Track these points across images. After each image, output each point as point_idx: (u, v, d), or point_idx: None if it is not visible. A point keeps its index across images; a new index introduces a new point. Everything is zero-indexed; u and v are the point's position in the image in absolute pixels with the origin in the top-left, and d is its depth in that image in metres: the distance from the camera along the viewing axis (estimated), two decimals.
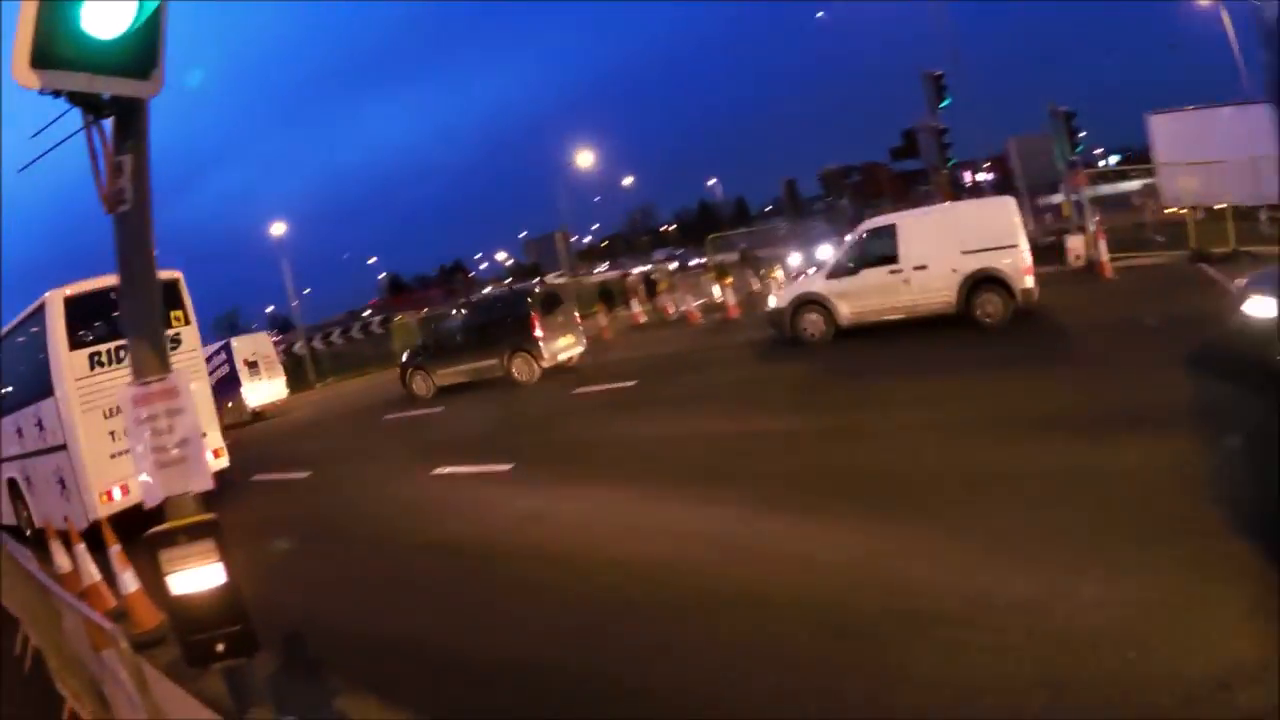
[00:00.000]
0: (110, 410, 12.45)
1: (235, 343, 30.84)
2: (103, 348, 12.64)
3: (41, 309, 12.77)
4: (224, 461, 14.00)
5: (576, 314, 24.34)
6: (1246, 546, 5.22)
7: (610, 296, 39.03)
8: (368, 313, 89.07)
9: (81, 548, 8.62)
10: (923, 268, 16.14)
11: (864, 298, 16.89)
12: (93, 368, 12.57)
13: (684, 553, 7.46)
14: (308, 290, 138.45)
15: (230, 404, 28.58)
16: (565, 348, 22.02)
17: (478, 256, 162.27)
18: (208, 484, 3.41)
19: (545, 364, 21.11)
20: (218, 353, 29.91)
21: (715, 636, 5.82)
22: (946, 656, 4.87)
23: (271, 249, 52.40)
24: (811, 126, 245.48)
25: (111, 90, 3.52)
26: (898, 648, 5.08)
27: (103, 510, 11.84)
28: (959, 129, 27.45)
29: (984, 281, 15.50)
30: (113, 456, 12.38)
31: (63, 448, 12.61)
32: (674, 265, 68.65)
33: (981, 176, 50.24)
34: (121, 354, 12.32)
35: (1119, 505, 6.44)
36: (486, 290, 52.66)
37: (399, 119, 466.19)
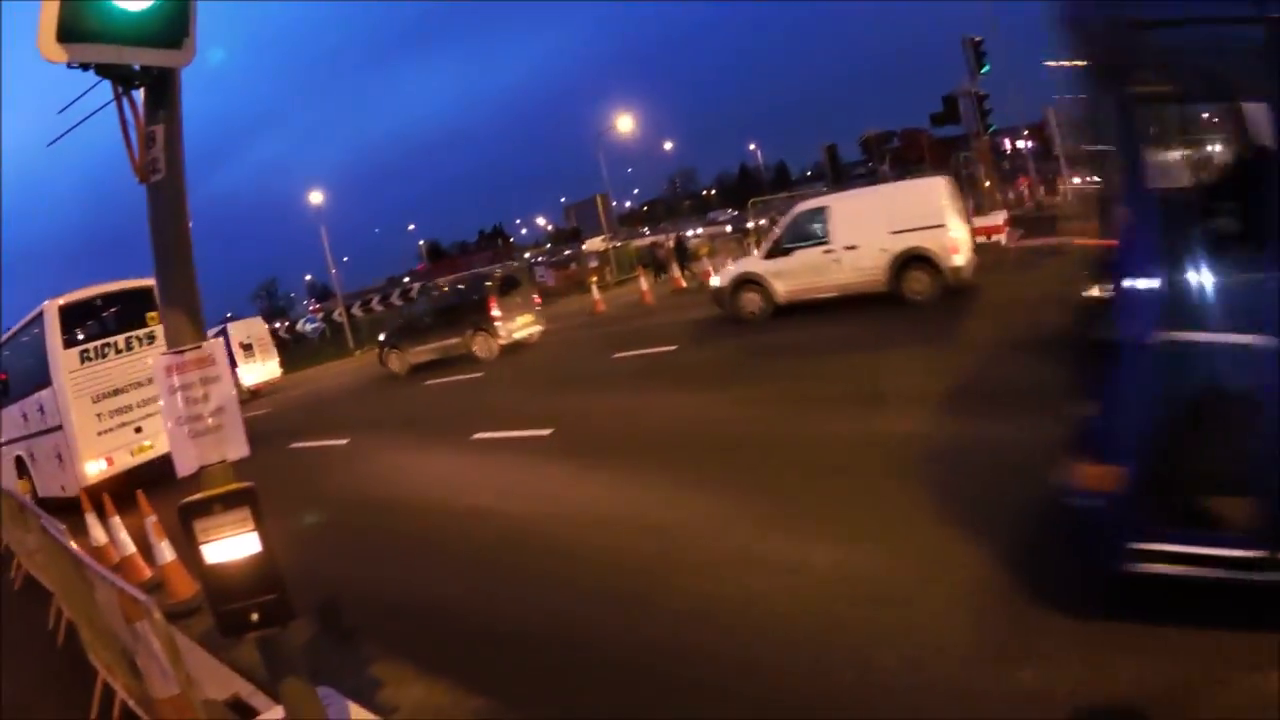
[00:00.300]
0: (97, 396, 15.34)
1: (231, 328, 33.94)
2: (90, 345, 15.40)
3: (40, 315, 15.49)
4: None
5: (535, 296, 27.31)
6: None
7: (653, 261, 39.53)
8: (407, 279, 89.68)
9: (116, 520, 8.70)
10: (853, 248, 16.78)
11: (798, 277, 17.64)
12: (82, 362, 15.27)
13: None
14: (346, 259, 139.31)
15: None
16: (522, 326, 24.08)
17: (518, 222, 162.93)
18: (244, 451, 3.41)
19: (502, 342, 23.20)
20: (215, 336, 30.51)
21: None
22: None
23: (309, 218, 52.91)
24: (852, 91, 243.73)
25: (142, 61, 3.48)
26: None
27: (91, 478, 14.57)
28: (999, 96, 27.27)
29: (912, 260, 16.07)
30: (99, 434, 15.28)
31: (59, 428, 15.30)
32: (728, 228, 68.35)
33: (1021, 144, 49.57)
34: (105, 350, 15.59)
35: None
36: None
37: (437, 85, 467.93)
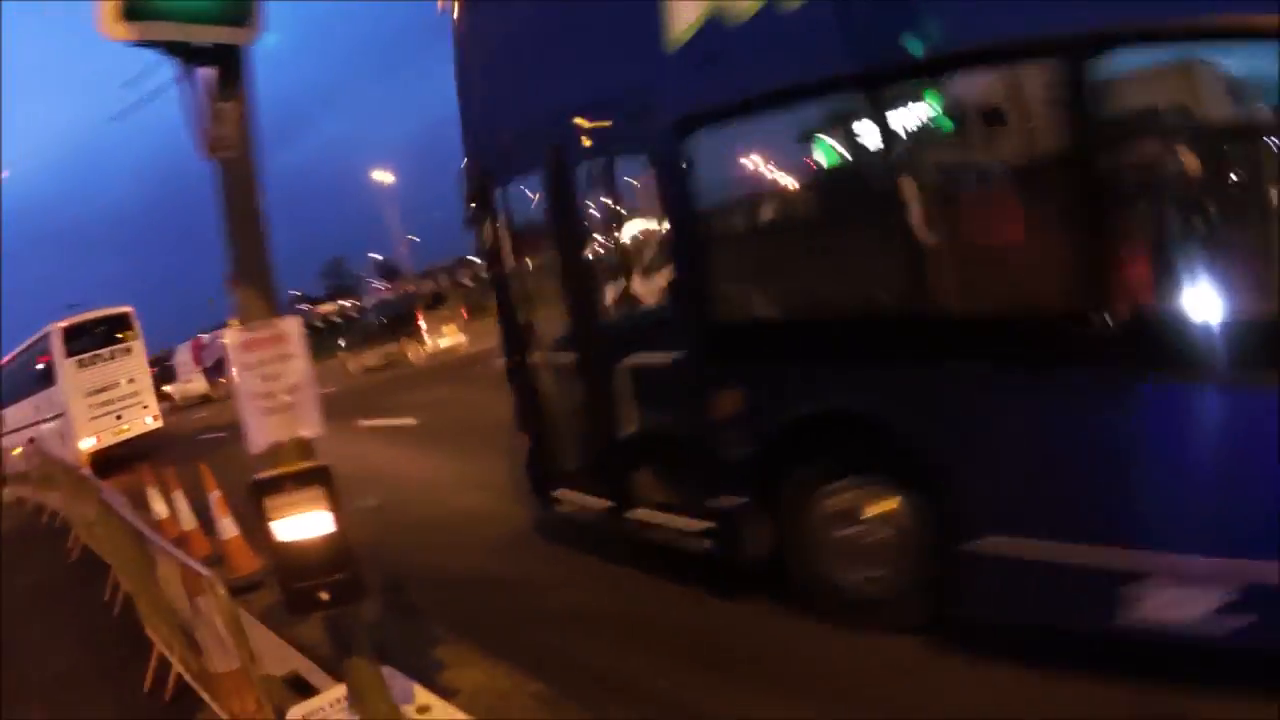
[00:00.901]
0: (88, 393, 21.75)
1: (229, 336, 38.96)
2: (84, 356, 21.90)
3: (48, 335, 22.17)
4: (159, 423, 23.33)
5: (463, 310, 31.48)
6: None
7: None
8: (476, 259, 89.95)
9: (179, 494, 8.79)
10: None
11: None
12: (80, 368, 21.79)
13: None
14: (416, 239, 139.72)
15: (221, 380, 38.28)
16: (447, 336, 28.92)
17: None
18: (318, 429, 3.39)
19: (428, 350, 28.21)
20: (212, 342, 41.61)
21: None
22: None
23: (377, 196, 53.50)
24: None
25: (208, 39, 3.46)
26: None
27: (85, 452, 20.16)
28: None
29: None
30: (90, 420, 21.67)
31: (61, 415, 21.85)
32: None
33: None
34: (95, 360, 21.97)
35: None
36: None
37: None
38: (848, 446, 5.10)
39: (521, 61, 6.93)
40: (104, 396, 21.77)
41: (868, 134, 4.84)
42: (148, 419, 22.66)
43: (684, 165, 5.56)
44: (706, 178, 5.60)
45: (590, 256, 7.23)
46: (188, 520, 8.58)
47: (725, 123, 5.42)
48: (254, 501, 3.24)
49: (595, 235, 7.55)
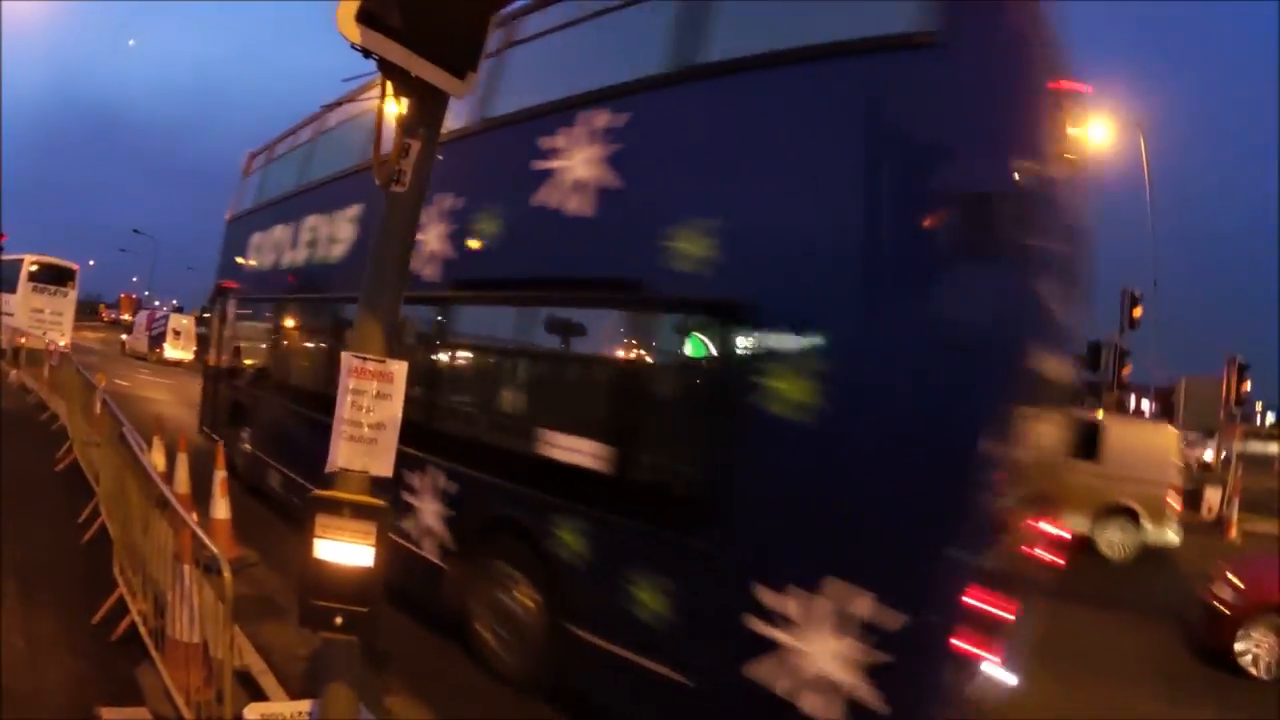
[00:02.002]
0: (32, 308, 29.80)
1: (171, 317, 50.51)
2: (38, 284, 30.42)
3: (23, 260, 30.81)
4: (66, 346, 24.75)
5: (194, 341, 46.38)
6: None
7: None
8: None
9: (183, 457, 8.85)
10: None
11: None
12: (33, 291, 30.31)
13: None
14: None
15: (156, 349, 47.32)
16: (179, 353, 46.33)
17: None
18: (388, 470, 3.48)
19: (164, 356, 45.87)
20: (162, 318, 50.79)
21: None
22: None
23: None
24: None
25: (426, 76, 3.56)
26: None
27: (15, 341, 24.30)
28: (1137, 351, 26.99)
29: None
30: (27, 324, 27.39)
31: (10, 315, 28.72)
32: None
33: (1145, 404, 48.93)
34: (42, 289, 30.70)
35: None
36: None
37: None
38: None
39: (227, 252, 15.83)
40: (40, 315, 29.65)
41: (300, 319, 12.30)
42: (60, 341, 25.32)
43: (219, 313, 15.41)
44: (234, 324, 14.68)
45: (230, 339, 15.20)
46: (182, 483, 8.62)
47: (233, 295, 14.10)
48: (308, 513, 3.33)
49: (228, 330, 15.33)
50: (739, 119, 5.79)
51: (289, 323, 12.33)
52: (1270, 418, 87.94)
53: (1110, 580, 14.65)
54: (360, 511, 3.33)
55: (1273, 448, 42.47)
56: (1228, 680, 9.30)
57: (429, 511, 7.73)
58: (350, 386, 3.42)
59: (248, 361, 14.03)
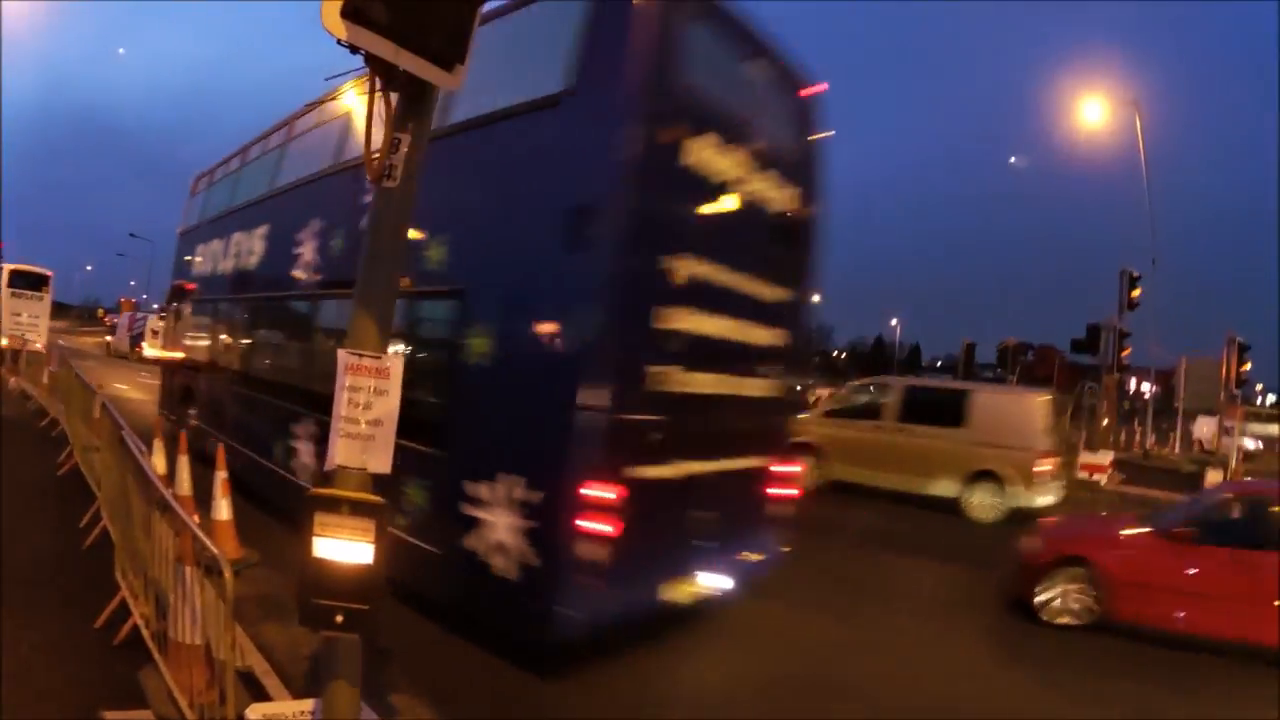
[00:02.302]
0: (12, 312, 29.49)
1: (150, 320, 48.90)
2: (15, 290, 30.19)
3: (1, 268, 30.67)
4: (40, 347, 28.16)
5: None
6: None
7: None
8: None
9: (185, 459, 8.83)
10: None
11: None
12: (12, 296, 29.96)
13: None
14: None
15: (136, 348, 48.53)
16: (156, 348, 41.12)
17: None
18: (386, 467, 3.47)
19: (143, 353, 45.93)
20: (141, 319, 52.48)
21: None
22: None
23: None
24: (1001, 294, 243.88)
25: (413, 69, 3.55)
26: None
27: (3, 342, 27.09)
28: (1137, 333, 27.15)
29: None
30: (10, 329, 28.35)
31: None
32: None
33: (1146, 386, 49.04)
34: (20, 294, 30.37)
35: None
36: None
37: None
38: None
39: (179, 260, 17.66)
40: (22, 318, 30.19)
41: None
42: (37, 344, 28.24)
43: (172, 312, 18.08)
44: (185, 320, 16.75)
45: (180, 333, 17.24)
46: (184, 485, 8.60)
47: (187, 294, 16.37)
48: (306, 512, 3.32)
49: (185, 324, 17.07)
50: (458, 165, 7.71)
51: (222, 319, 14.87)
52: (1271, 399, 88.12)
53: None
54: (359, 509, 3.32)
55: (1273, 429, 42.51)
56: (1027, 627, 9.86)
57: (299, 451, 10.27)
58: (346, 384, 3.40)
59: (194, 351, 16.07)
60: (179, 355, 16.98)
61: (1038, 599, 10.03)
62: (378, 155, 3.65)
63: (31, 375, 20.72)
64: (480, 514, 6.92)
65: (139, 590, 6.30)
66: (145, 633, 5.88)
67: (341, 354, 3.43)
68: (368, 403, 3.42)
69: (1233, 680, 8.50)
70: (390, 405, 3.48)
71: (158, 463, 9.61)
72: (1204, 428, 37.42)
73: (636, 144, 6.61)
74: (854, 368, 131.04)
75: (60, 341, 33.84)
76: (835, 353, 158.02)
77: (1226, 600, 9.07)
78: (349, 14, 3.30)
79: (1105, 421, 31.33)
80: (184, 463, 8.77)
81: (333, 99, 11.36)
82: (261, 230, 12.95)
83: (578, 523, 6.30)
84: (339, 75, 7.23)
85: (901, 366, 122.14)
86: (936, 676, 8.08)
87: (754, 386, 8.31)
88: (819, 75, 9.01)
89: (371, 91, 3.66)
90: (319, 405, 8.94)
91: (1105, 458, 24.74)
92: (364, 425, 3.42)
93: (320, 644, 3.67)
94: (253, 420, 12.11)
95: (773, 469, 8.69)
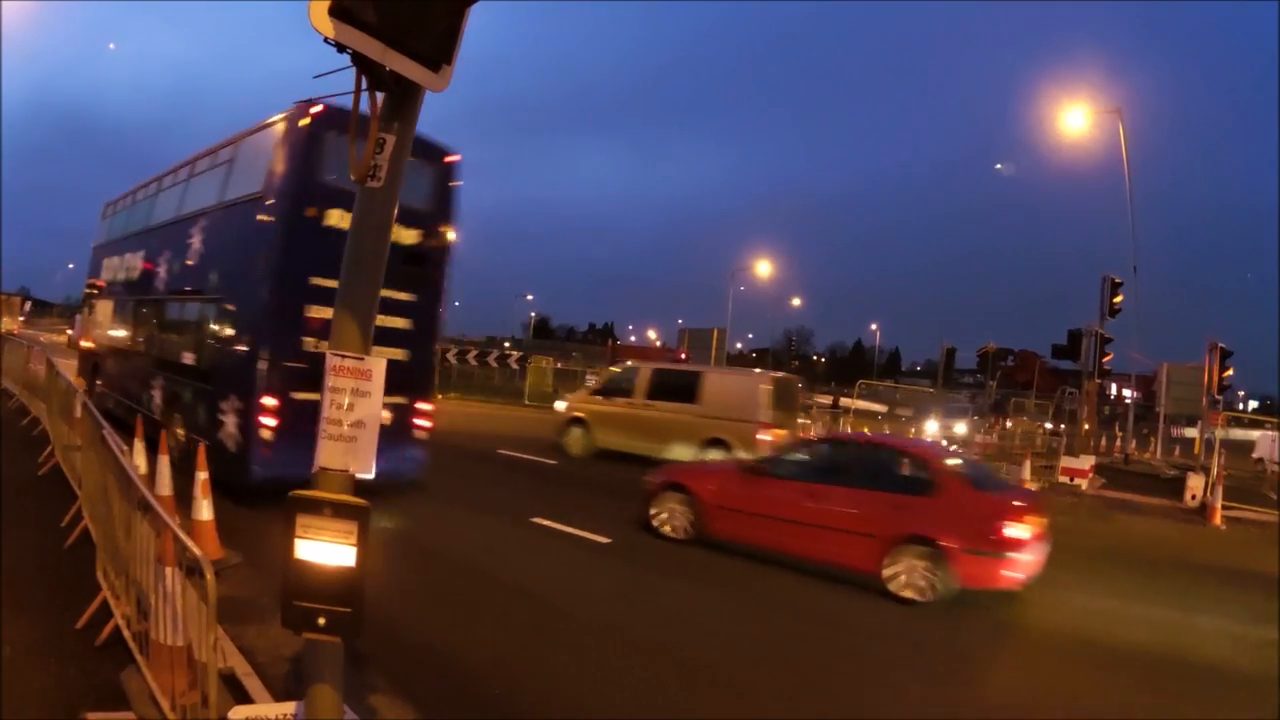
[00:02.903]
0: None
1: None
2: None
3: None
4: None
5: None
6: None
7: None
8: (507, 345, 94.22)
9: (165, 459, 8.78)
10: None
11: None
12: None
13: None
14: (456, 303, 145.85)
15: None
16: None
17: (630, 327, 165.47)
18: (370, 471, 3.45)
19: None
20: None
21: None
22: None
23: None
24: (979, 299, 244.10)
25: (400, 70, 3.51)
26: None
27: None
28: (1119, 340, 27.40)
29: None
30: None
31: None
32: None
33: (1127, 392, 49.30)
34: None
35: None
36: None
37: (596, 169, 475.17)
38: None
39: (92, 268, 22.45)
40: None
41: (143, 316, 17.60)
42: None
43: (86, 308, 23.87)
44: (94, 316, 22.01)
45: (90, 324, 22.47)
46: (164, 486, 8.56)
47: (95, 296, 21.77)
48: (287, 514, 3.30)
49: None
50: (223, 226, 13.71)
51: (115, 314, 19.61)
52: (1253, 405, 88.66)
53: None
54: (341, 511, 3.31)
55: (1254, 434, 42.80)
56: (646, 539, 12.72)
57: (154, 396, 15.40)
58: (330, 385, 3.39)
59: (98, 337, 20.93)
60: (90, 342, 21.92)
61: (652, 517, 12.94)
62: (362, 159, 3.62)
63: (12, 375, 20.60)
64: (223, 418, 12.22)
65: (120, 590, 6.26)
66: (126, 633, 5.86)
67: (327, 355, 3.42)
68: (350, 404, 3.41)
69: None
70: (373, 407, 3.46)
71: (139, 462, 9.59)
72: (1263, 446, 37.53)
73: (287, 220, 11.85)
74: (833, 372, 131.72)
75: (42, 339, 36.17)
76: (815, 357, 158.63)
77: (789, 523, 11.46)
78: (337, 13, 3.28)
79: (1086, 426, 31.48)
80: (164, 463, 8.73)
81: (188, 167, 16.41)
82: (140, 252, 17.94)
83: (260, 420, 11.62)
84: (326, 74, 7.23)
85: (881, 371, 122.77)
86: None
87: (390, 353, 11.72)
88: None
89: (357, 91, 3.62)
90: (166, 368, 15.06)
91: (1086, 462, 25.02)
92: (346, 427, 3.40)
93: (303, 646, 3.64)
94: (128, 380, 17.52)
95: (415, 406, 13.52)
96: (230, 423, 11.97)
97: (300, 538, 3.27)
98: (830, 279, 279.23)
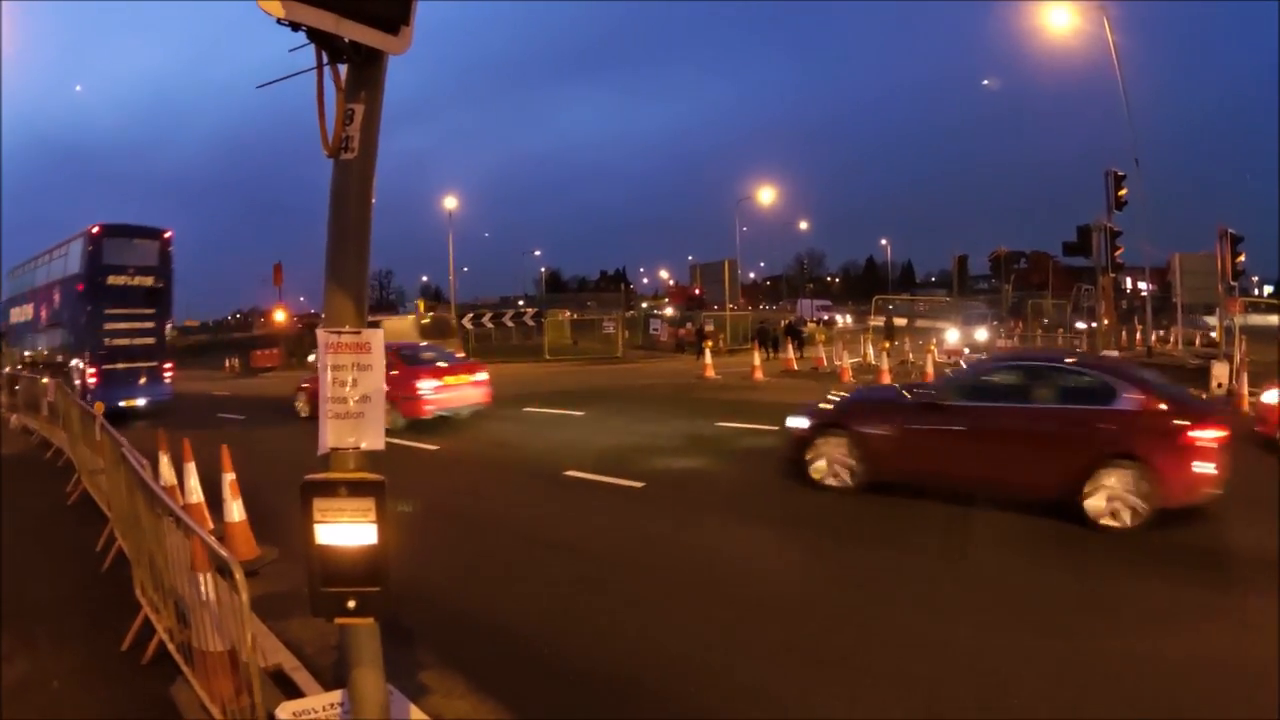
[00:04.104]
0: None
1: None
2: None
3: None
4: None
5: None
6: None
7: (766, 337, 40.64)
8: (521, 302, 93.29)
9: (191, 466, 8.78)
10: None
11: None
12: None
13: None
14: (465, 269, 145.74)
15: None
16: None
17: (641, 270, 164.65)
18: (380, 443, 3.38)
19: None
20: None
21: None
22: None
23: (439, 220, 56.60)
24: (988, 204, 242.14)
25: (358, 38, 3.40)
26: None
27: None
28: (1128, 233, 27.10)
29: None
30: None
31: None
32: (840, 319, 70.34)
33: (1142, 285, 48.85)
34: None
35: None
36: None
37: (589, 116, 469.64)
38: None
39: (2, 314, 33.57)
40: None
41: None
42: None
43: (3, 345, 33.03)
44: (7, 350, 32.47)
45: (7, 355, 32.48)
46: (194, 493, 8.56)
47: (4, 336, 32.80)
48: (303, 500, 3.23)
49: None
50: (60, 290, 26.40)
51: (15, 346, 30.31)
52: (1268, 289, 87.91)
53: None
54: (357, 489, 3.24)
55: (1273, 319, 42.40)
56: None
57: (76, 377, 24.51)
58: (329, 363, 3.30)
59: (10, 363, 29.73)
60: (5, 369, 29.10)
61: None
62: (332, 131, 3.53)
63: (30, 410, 20.69)
64: (76, 379, 23.19)
65: (160, 604, 6.24)
66: (170, 646, 5.83)
67: (320, 334, 3.34)
68: (353, 380, 3.32)
69: None
70: (377, 379, 3.37)
71: (166, 474, 9.61)
72: (1209, 320, 37.38)
73: (88, 283, 24.12)
74: (849, 291, 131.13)
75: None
76: (829, 278, 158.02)
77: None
78: None
79: (1105, 322, 31.27)
80: (191, 470, 8.72)
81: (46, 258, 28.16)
82: (28, 305, 29.24)
83: (88, 379, 23.65)
84: (295, 49, 7.18)
85: (896, 284, 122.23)
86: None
87: (145, 342, 25.19)
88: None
89: (319, 66, 3.53)
90: (45, 372, 22.48)
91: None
92: (353, 404, 3.32)
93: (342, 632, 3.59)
94: (21, 388, 22.54)
95: (161, 366, 25.71)
96: (77, 380, 23.21)
97: (319, 522, 3.21)
98: (837, 200, 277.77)
